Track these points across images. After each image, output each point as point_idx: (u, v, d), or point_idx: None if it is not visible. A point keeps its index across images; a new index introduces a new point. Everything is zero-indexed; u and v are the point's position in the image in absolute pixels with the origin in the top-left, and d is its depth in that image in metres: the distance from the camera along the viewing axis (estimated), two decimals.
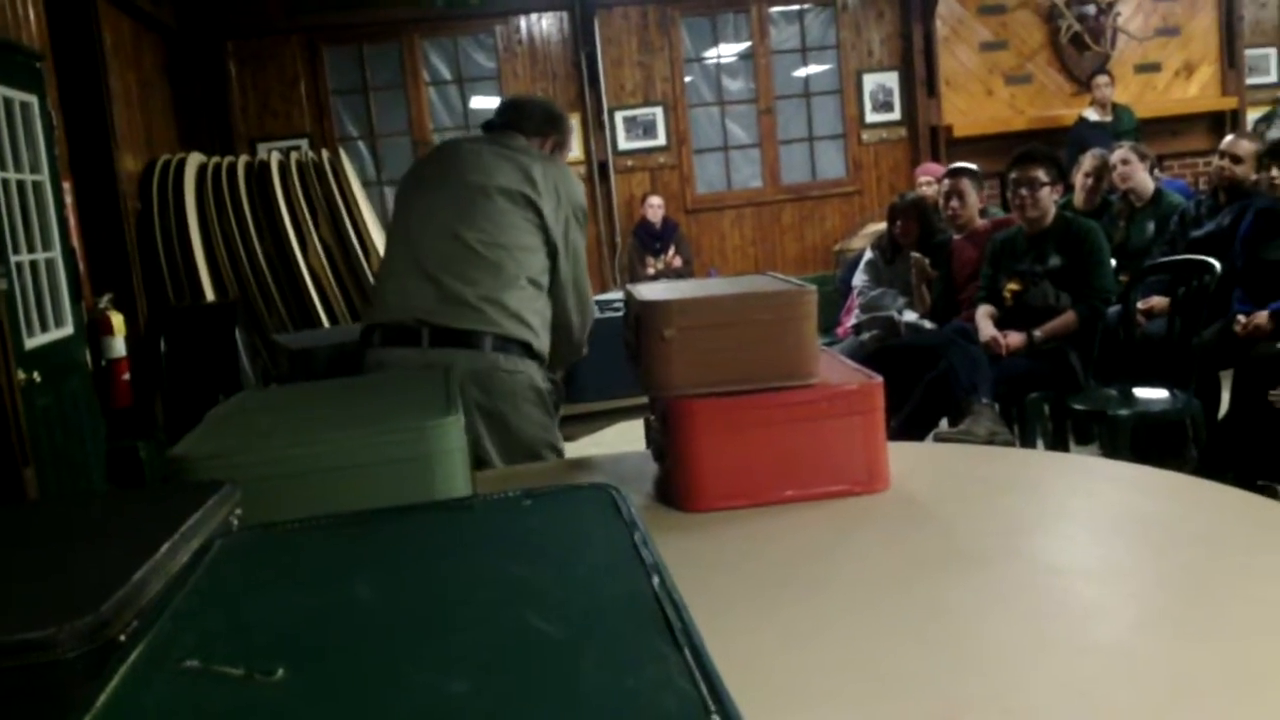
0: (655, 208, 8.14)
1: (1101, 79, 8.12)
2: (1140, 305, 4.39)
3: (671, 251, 8.07)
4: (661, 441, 1.89)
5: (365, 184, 7.62)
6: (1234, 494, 1.80)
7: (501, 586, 0.81)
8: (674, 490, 1.83)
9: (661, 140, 8.56)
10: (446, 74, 8.43)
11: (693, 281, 2.34)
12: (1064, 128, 8.21)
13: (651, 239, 8.11)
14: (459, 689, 0.65)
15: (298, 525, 0.97)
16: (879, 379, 1.82)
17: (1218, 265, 3.91)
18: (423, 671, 0.68)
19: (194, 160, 6.51)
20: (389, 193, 8.33)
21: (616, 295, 2.47)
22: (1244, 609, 1.33)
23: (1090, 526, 1.75)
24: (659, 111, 8.55)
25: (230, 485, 1.21)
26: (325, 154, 6.75)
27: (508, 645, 0.71)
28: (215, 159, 6.59)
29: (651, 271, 7.82)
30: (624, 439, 2.22)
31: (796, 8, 8.67)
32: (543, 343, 2.59)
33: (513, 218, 2.55)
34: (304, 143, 7.91)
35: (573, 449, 2.81)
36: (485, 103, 8.42)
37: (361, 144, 8.35)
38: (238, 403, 1.82)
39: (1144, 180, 5.09)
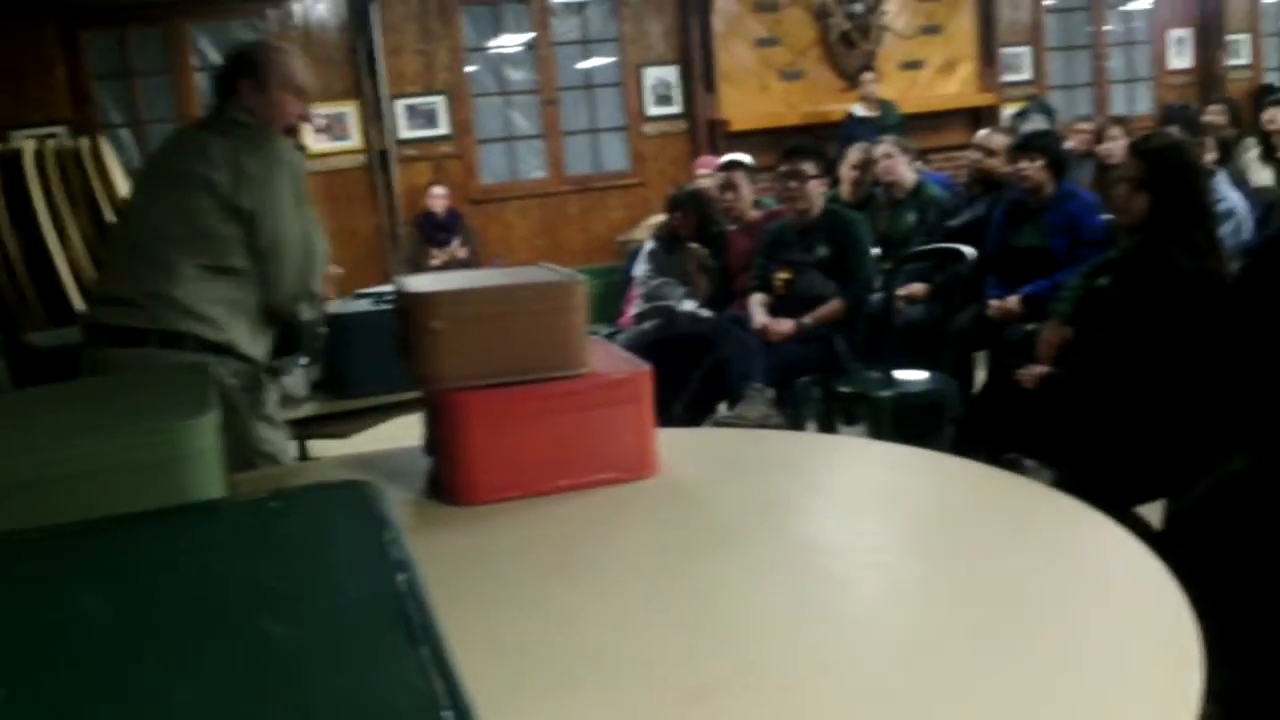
0: (439, 198, 8.04)
1: (868, 75, 8.48)
2: (901, 292, 4.62)
3: (457, 242, 7.99)
4: (433, 435, 1.88)
5: (130, 173, 7.22)
6: (981, 468, 1.92)
7: (240, 592, 0.79)
8: (447, 484, 1.82)
9: (444, 130, 8.45)
10: (217, 59, 8.08)
11: (465, 273, 2.32)
12: (834, 123, 8.52)
13: (435, 230, 8.01)
14: (185, 699, 0.64)
15: (22, 535, 0.92)
16: (646, 367, 1.85)
17: (972, 253, 4.15)
18: (149, 683, 0.66)
19: None
20: None
21: (388, 288, 2.42)
22: (986, 576, 1.42)
23: (848, 503, 1.84)
24: (441, 100, 8.44)
25: None
26: (85, 142, 6.36)
27: (240, 652, 0.69)
28: None
29: (436, 263, 7.73)
30: (406, 434, 2.19)
31: (578, 0, 8.71)
32: (229, 334, 2.46)
33: (188, 201, 2.46)
34: (62, 130, 7.43)
35: (348, 445, 2.76)
36: None
37: (126, 131, 7.92)
38: None
39: (905, 173, 5.35)
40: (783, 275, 4.41)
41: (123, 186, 6.40)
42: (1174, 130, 5.20)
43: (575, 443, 1.81)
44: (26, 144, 6.24)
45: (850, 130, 8.00)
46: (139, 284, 2.44)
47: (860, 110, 8.40)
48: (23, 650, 0.73)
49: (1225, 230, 4.16)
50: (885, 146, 5.40)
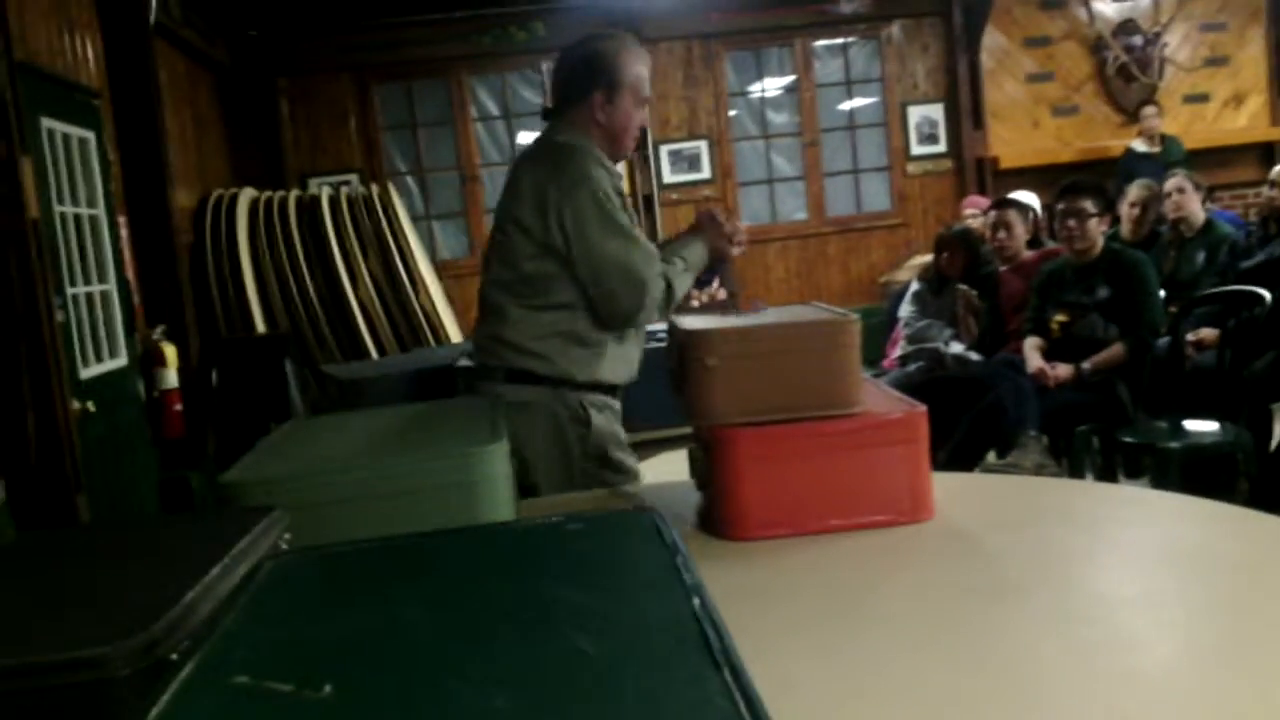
0: None
1: (1149, 110, 8.06)
2: (1190, 337, 4.34)
3: (716, 284, 8.08)
4: (705, 470, 1.90)
5: (414, 218, 7.72)
6: (1271, 522, 1.77)
7: (544, 606, 0.82)
8: (717, 519, 1.83)
9: (706, 173, 8.59)
10: (494, 109, 8.53)
11: (737, 313, 2.32)
12: (1112, 159, 8.15)
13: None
14: (502, 704, 0.66)
15: (344, 548, 0.99)
16: (923, 408, 1.82)
17: (1268, 295, 3.86)
18: (466, 687, 0.70)
19: (246, 195, 6.62)
20: (437, 226, 8.43)
21: (661, 326, 2.44)
22: None
23: (1137, 557, 1.73)
24: (704, 145, 8.59)
25: (279, 510, 1.23)
26: (375, 189, 6.85)
27: (550, 663, 0.72)
28: (267, 193, 6.71)
29: (696, 304, 7.83)
30: (671, 468, 2.22)
31: (841, 41, 8.69)
32: (563, 365, 2.48)
33: (509, 245, 2.51)
34: (354, 178, 8.03)
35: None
36: (533, 137, 8.50)
37: (410, 179, 8.46)
38: (288, 431, 1.85)
39: (1196, 210, 5.04)
40: (1059, 318, 4.22)
41: (409, 230, 6.84)
42: None
43: (847, 482, 1.79)
44: (323, 191, 6.79)
45: (1130, 166, 7.63)
46: (485, 328, 2.56)
47: (1140, 146, 7.99)
48: (349, 653, 0.78)
49: None
50: (1177, 181, 5.10)
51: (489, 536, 1.07)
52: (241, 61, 7.76)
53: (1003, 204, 4.69)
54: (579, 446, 2.50)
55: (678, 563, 0.88)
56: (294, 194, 6.74)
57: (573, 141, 2.51)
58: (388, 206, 6.66)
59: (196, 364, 5.64)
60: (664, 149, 8.53)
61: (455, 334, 6.60)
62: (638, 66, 2.57)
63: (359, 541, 1.02)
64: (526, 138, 8.51)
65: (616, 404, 2.60)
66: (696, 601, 0.80)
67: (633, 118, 2.56)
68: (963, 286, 4.92)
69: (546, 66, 8.43)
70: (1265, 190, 4.94)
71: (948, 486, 1.96)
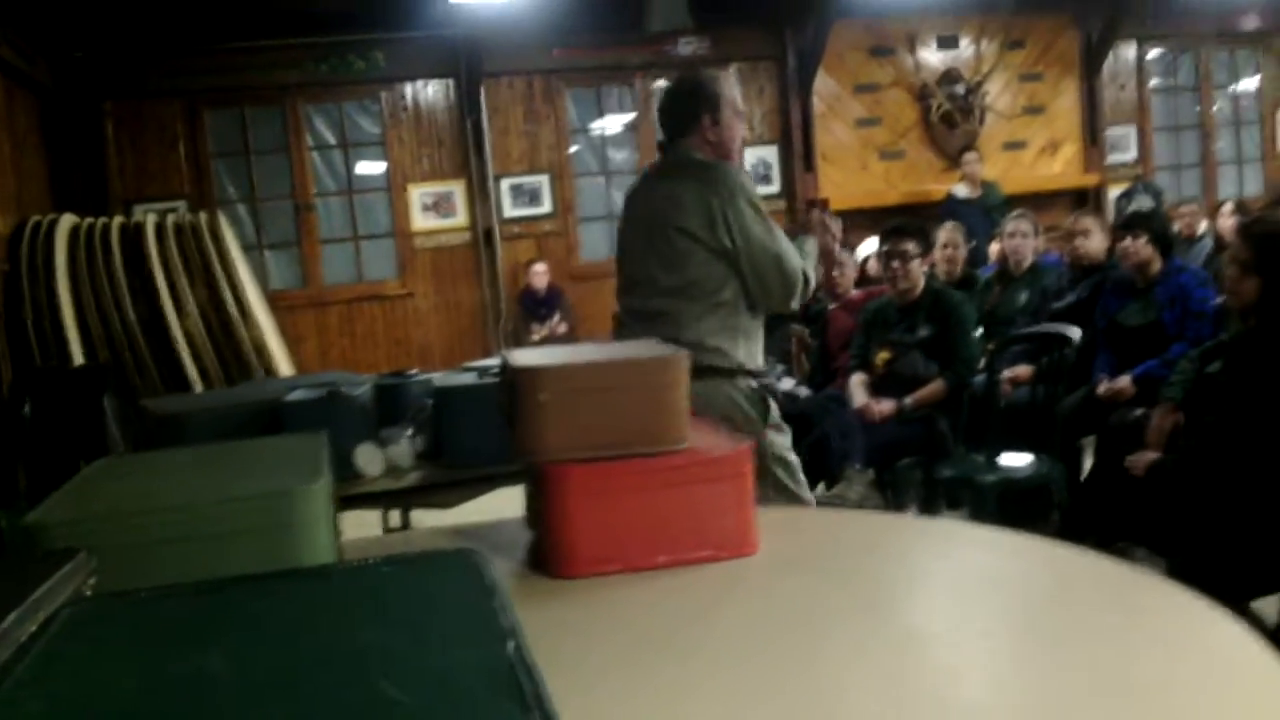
0: (540, 274, 8.18)
1: (970, 156, 8.47)
2: (1006, 374, 4.55)
3: (557, 318, 8.11)
4: (536, 507, 1.90)
5: (245, 248, 7.51)
6: (1091, 557, 1.87)
7: (356, 653, 0.81)
8: (547, 557, 1.83)
9: (547, 208, 8.62)
10: (331, 138, 8.39)
11: (570, 347, 2.36)
12: (935, 202, 8.51)
13: (536, 306, 8.14)
14: None
15: (149, 594, 0.96)
16: (747, 444, 1.86)
17: (1077, 334, 4.08)
18: None
19: (66, 221, 6.34)
20: (270, 256, 8.22)
21: (497, 361, 2.46)
22: (1099, 668, 1.38)
23: (952, 589, 1.80)
24: (545, 180, 8.62)
25: (84, 553, 1.18)
26: (203, 216, 6.64)
27: (359, 712, 0.71)
28: (89, 220, 6.43)
29: (536, 338, 7.84)
30: (509, 505, 2.22)
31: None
32: (737, 357, 2.86)
33: (676, 253, 2.85)
34: (181, 205, 7.77)
35: (451, 516, 2.79)
36: (370, 167, 8.40)
37: (241, 207, 8.24)
38: (100, 468, 1.77)
39: (1028, 252, 5.29)
40: (883, 355, 4.38)
41: (239, 260, 6.65)
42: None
43: (675, 518, 1.82)
44: (148, 218, 6.54)
45: (952, 210, 7.97)
46: (659, 331, 2.69)
47: (962, 190, 8.38)
48: (148, 705, 0.76)
49: None
50: (1017, 224, 5.34)
51: (304, 580, 1.05)
52: (65, 83, 7.44)
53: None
54: (761, 422, 2.89)
55: (495, 605, 0.88)
56: (117, 221, 6.48)
57: (711, 160, 2.91)
58: (216, 235, 6.46)
59: (8, 396, 5.35)
60: (505, 182, 8.53)
61: (286, 367, 6.43)
62: (730, 89, 3.01)
63: (168, 587, 0.99)
64: (366, 167, 8.40)
65: None
66: (511, 645, 0.80)
67: (736, 131, 2.99)
68: (796, 325, 5.05)
69: (385, 96, 8.34)
70: (1076, 237, 5.21)
71: (772, 520, 2.01)
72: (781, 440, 2.99)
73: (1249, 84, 10.24)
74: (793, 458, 3.00)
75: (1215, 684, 1.34)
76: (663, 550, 1.80)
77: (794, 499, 2.92)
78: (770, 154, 8.90)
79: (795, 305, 3.03)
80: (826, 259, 3.21)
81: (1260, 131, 10.23)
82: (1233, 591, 2.59)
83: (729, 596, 1.72)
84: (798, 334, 5.04)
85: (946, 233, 5.44)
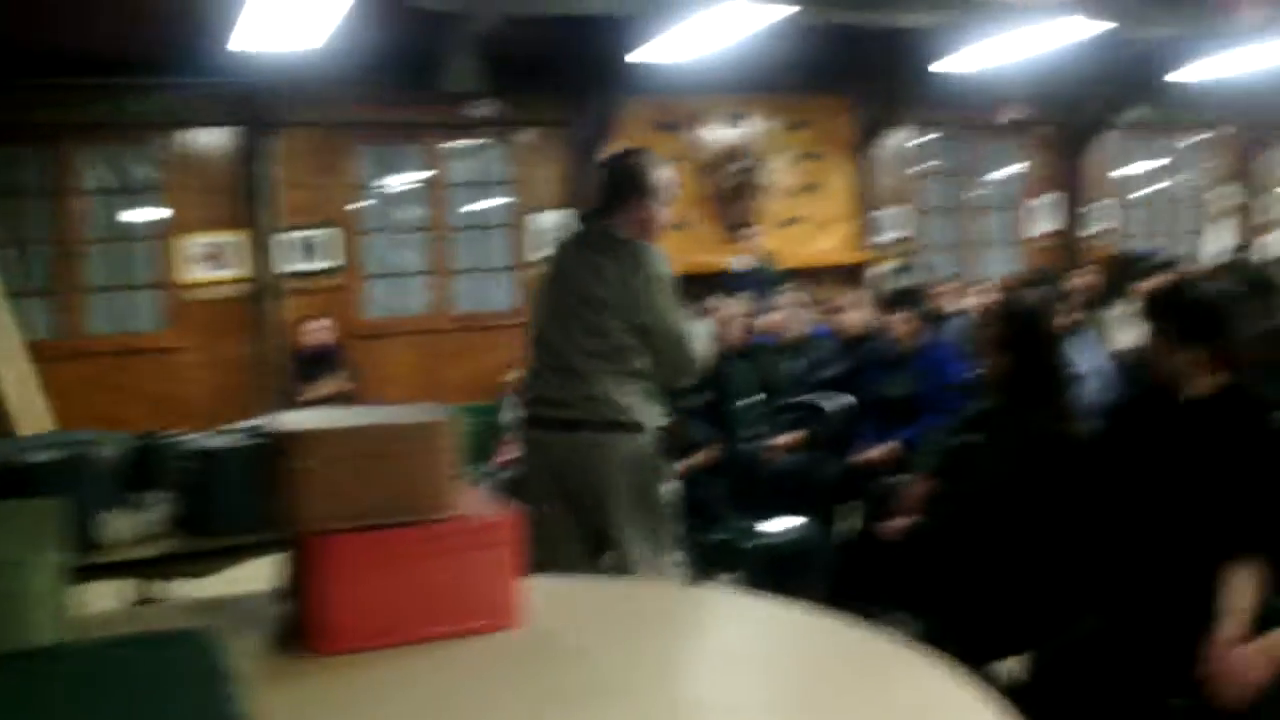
0: (314, 331, 7.97)
1: (750, 230, 8.74)
2: (778, 440, 4.71)
3: (338, 376, 7.91)
4: (294, 578, 1.84)
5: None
6: (847, 626, 1.94)
7: None
8: (305, 631, 1.77)
9: (331, 263, 8.45)
10: (102, 183, 8.00)
11: (335, 411, 2.31)
12: (718, 273, 8.76)
13: (314, 363, 7.92)
14: None
15: None
16: (514, 513, 1.85)
17: (841, 403, 4.27)
18: None
19: None
20: (31, 303, 7.70)
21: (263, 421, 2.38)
22: None
23: (717, 660, 1.84)
24: (331, 234, 8.45)
25: None
26: None
27: None
28: None
29: (306, 398, 7.61)
30: (255, 577, 2.13)
31: (472, 143, 8.88)
32: (640, 416, 3.18)
33: (597, 322, 3.14)
34: None
35: (202, 587, 2.67)
36: (144, 214, 8.05)
37: (12, 251, 7.70)
38: None
39: (802, 324, 5.52)
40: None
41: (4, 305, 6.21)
42: (1032, 293, 5.46)
43: (440, 589, 1.79)
44: None
45: (733, 282, 8.20)
46: (572, 390, 3.17)
47: (742, 263, 8.60)
48: None
49: (1092, 388, 4.36)
50: (792, 297, 5.56)
51: (22, 663, 0.99)
52: None
53: None
54: (654, 476, 3.24)
55: (222, 690, 0.85)
56: None
57: (636, 240, 3.19)
58: None
59: None
60: (290, 235, 8.32)
61: (44, 423, 6.03)
62: (663, 177, 3.32)
63: None
64: (139, 214, 8.04)
65: None
66: None
67: (662, 216, 3.33)
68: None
69: (159, 141, 8.04)
70: (839, 312, 5.48)
71: (543, 590, 2.01)
72: (670, 488, 3.36)
73: (1011, 171, 11.03)
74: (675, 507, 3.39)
75: None
76: (426, 623, 1.78)
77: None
78: (558, 220, 8.99)
79: (685, 383, 3.41)
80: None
81: (1016, 216, 11.00)
82: (979, 653, 2.74)
83: (494, 671, 1.71)
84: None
85: (725, 305, 5.62)
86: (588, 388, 3.14)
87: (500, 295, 8.99)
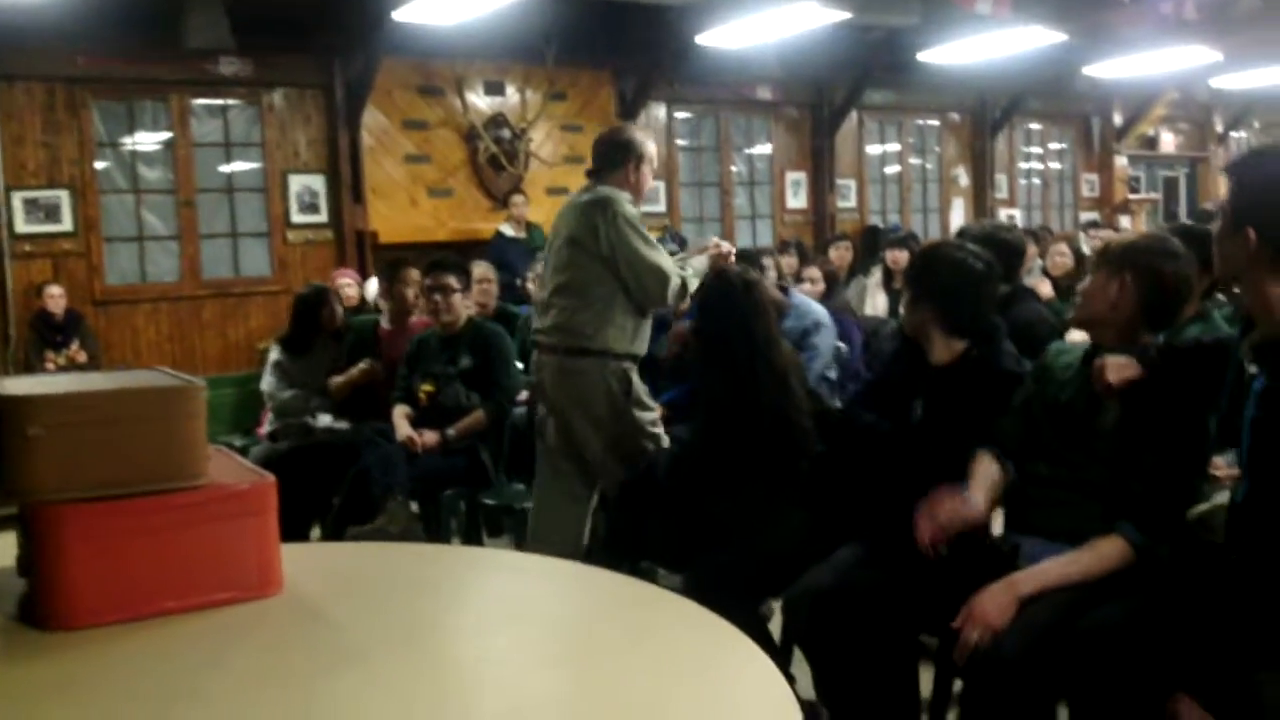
0: (55, 297, 7.45)
1: (518, 198, 8.72)
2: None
3: (75, 345, 7.41)
4: (26, 553, 1.70)
5: None
6: (614, 579, 1.97)
7: None
8: (39, 608, 1.65)
9: (67, 225, 7.88)
10: None
11: (72, 376, 2.15)
12: (484, 240, 8.69)
13: (52, 331, 7.39)
14: None
15: None
16: (270, 479, 1.78)
17: None
18: None
19: None
20: None
21: None
22: (613, 685, 1.46)
23: (482, 618, 1.82)
24: (65, 195, 7.88)
25: None
26: None
27: None
28: None
29: (52, 367, 7.11)
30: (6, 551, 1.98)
31: (220, 102, 8.45)
32: (606, 342, 3.60)
33: (578, 259, 3.60)
34: None
35: None
36: None
37: None
38: None
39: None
40: (426, 387, 4.38)
41: None
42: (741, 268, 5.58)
43: (191, 560, 1.70)
44: None
45: (500, 249, 8.18)
46: (548, 320, 3.67)
47: (509, 230, 8.60)
48: None
49: (822, 340, 4.54)
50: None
51: None
52: None
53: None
54: (623, 398, 3.62)
55: None
56: None
57: (606, 191, 3.66)
58: None
59: None
60: (17, 196, 7.70)
61: None
62: (652, 148, 3.86)
63: None
64: None
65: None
66: None
67: (649, 180, 3.84)
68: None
69: None
70: None
71: (306, 558, 1.94)
72: (647, 416, 3.67)
73: (763, 148, 11.39)
74: (660, 432, 3.70)
75: (720, 694, 1.45)
76: (176, 595, 1.68)
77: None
78: (318, 183, 8.69)
79: (672, 304, 3.77)
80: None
81: (771, 191, 11.39)
82: (740, 599, 2.83)
83: (250, 640, 1.64)
84: (371, 368, 4.80)
85: (480, 269, 5.56)
86: (557, 318, 3.64)
87: (256, 261, 8.62)
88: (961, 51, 9.15)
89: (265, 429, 5.06)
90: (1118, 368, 2.36)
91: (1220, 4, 9.27)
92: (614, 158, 3.75)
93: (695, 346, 3.49)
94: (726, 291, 3.32)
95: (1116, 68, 10.45)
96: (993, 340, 2.83)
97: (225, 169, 8.52)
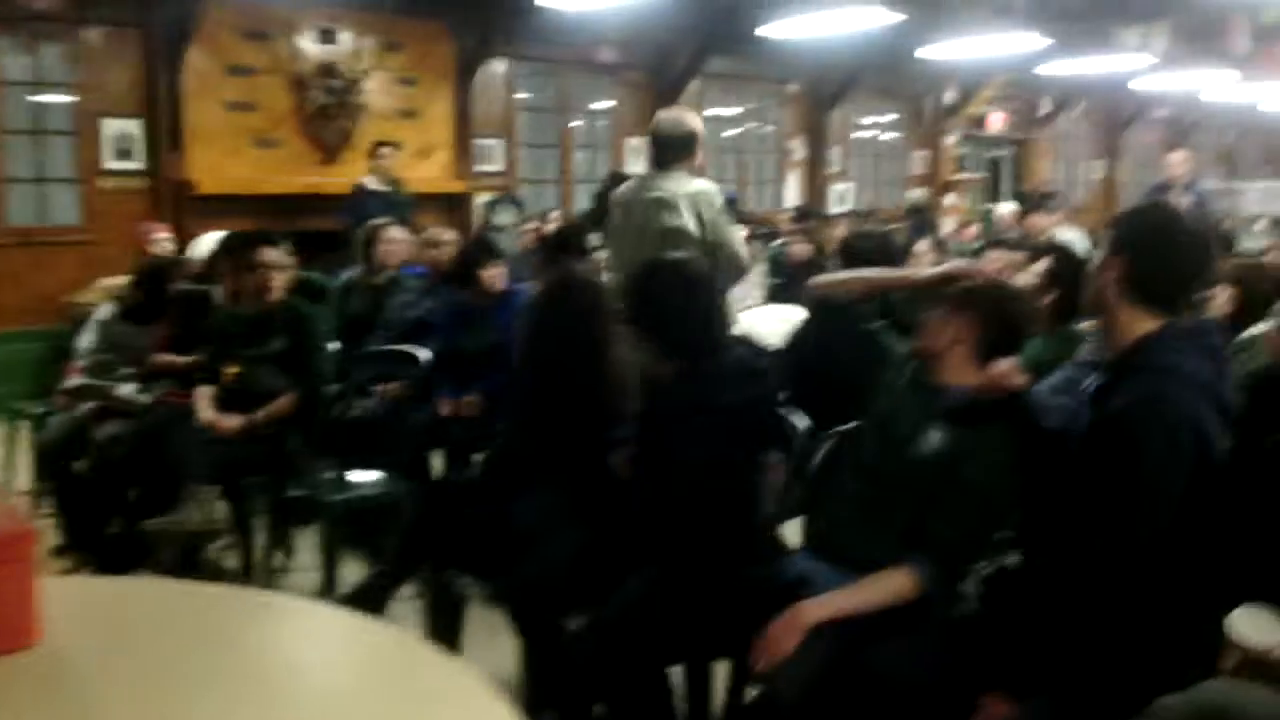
0: None
1: (385, 150, 8.19)
2: (385, 388, 4.57)
3: None
4: None
5: None
6: (378, 628, 1.94)
7: None
8: None
9: None
10: None
11: None
12: (311, 195, 8.41)
13: None
14: None
15: None
16: (29, 527, 1.68)
17: (425, 354, 4.20)
18: None
19: None
20: None
21: None
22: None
23: (234, 667, 1.74)
24: None
25: None
26: None
27: None
28: None
29: None
30: None
31: (30, 38, 7.91)
32: None
33: (681, 246, 3.85)
34: None
35: None
36: None
37: None
38: None
39: (397, 260, 5.38)
40: (232, 369, 4.17)
41: None
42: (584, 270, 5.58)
43: None
44: None
45: (361, 203, 7.68)
46: None
47: (373, 183, 8.15)
48: None
49: None
50: (389, 231, 5.42)
51: None
52: None
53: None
54: None
55: None
56: None
57: (705, 185, 4.16)
58: None
59: None
60: None
61: None
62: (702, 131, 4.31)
63: None
64: None
65: None
66: None
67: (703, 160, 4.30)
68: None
69: None
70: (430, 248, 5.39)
71: (63, 597, 1.83)
72: None
73: (604, 109, 11.32)
74: None
75: None
76: None
77: None
78: (134, 127, 8.24)
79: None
80: None
81: (610, 155, 11.35)
82: (545, 613, 2.83)
83: (5, 700, 1.55)
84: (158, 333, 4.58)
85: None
86: None
87: (65, 209, 8.14)
88: (802, 26, 9.24)
89: (68, 385, 4.73)
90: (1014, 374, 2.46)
91: None
92: (683, 149, 4.17)
93: (523, 339, 3.41)
94: (565, 292, 3.28)
95: (950, 49, 10.72)
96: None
97: (32, 108, 8.00)
